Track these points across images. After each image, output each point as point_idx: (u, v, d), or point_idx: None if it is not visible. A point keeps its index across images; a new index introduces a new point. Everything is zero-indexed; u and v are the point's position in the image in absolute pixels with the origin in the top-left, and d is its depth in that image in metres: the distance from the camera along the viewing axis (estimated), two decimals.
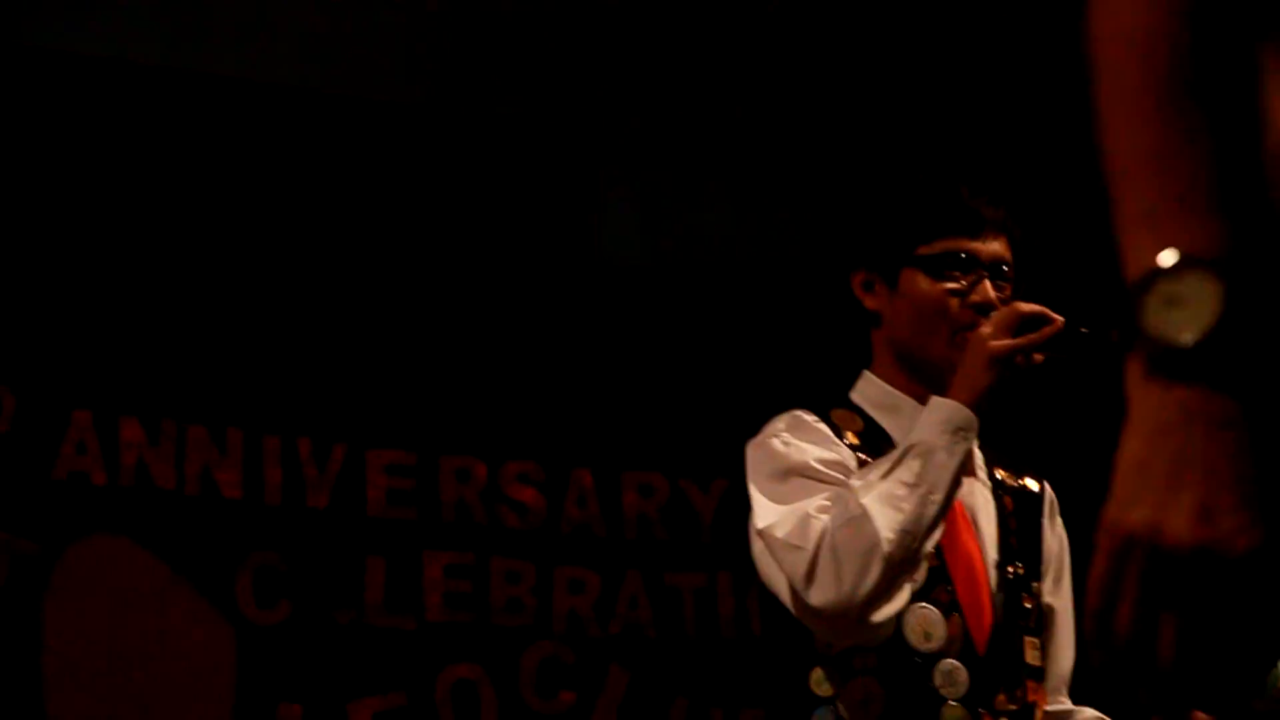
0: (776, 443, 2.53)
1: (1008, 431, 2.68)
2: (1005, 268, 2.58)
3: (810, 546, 2.37)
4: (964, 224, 2.58)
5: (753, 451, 2.55)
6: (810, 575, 2.36)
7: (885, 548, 2.32)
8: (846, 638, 2.44)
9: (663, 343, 4.50)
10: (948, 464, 2.38)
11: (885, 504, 2.35)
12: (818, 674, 2.47)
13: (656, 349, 4.49)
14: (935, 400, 2.46)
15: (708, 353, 4.48)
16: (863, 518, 2.34)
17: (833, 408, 2.61)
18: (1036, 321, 2.43)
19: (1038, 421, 4.39)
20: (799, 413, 2.59)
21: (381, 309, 4.31)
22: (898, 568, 2.34)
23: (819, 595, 2.36)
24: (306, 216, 4.29)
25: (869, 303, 2.64)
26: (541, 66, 4.55)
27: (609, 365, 4.46)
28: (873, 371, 2.64)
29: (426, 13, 4.47)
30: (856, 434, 2.57)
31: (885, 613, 2.36)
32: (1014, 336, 2.43)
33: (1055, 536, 2.71)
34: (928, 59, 4.67)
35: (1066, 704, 2.69)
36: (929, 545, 2.38)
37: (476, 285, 4.41)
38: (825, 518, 2.38)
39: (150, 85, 4.21)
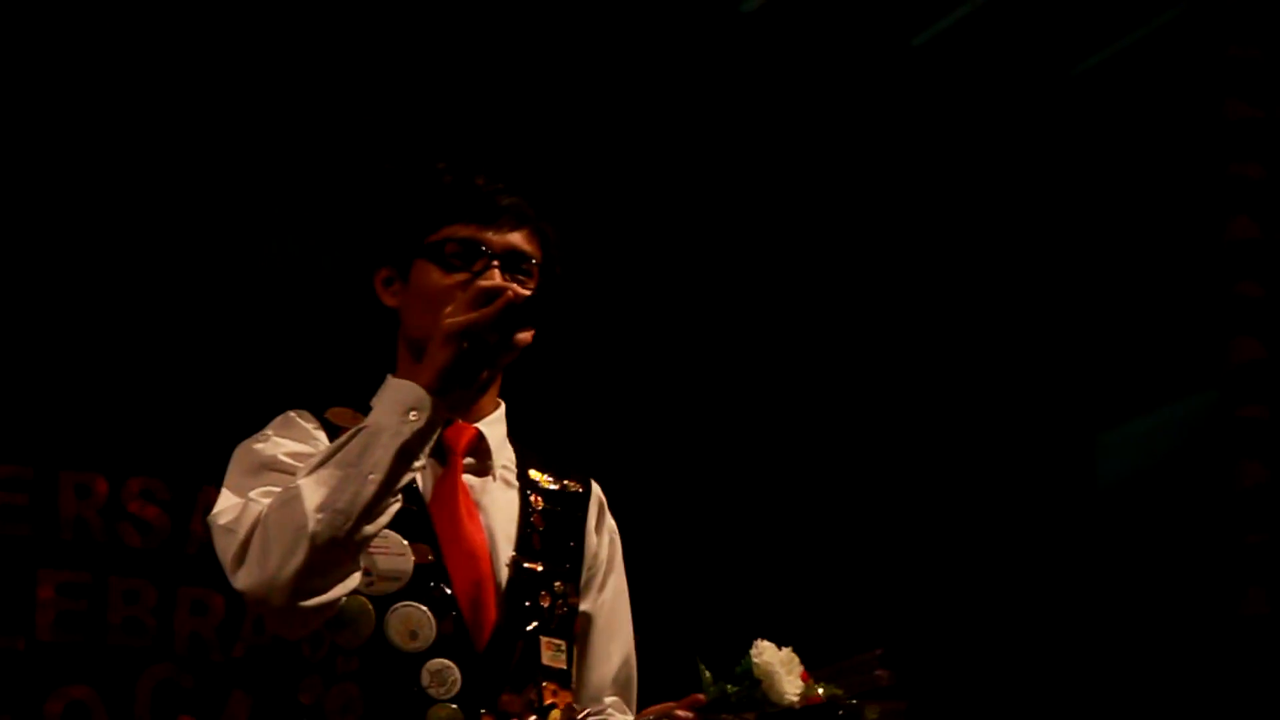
0: (255, 442, 2.47)
1: (554, 434, 2.60)
2: (524, 259, 2.50)
3: (243, 529, 2.30)
4: (473, 211, 2.50)
5: (235, 452, 2.48)
6: (239, 558, 2.29)
7: (312, 527, 2.23)
8: (284, 628, 2.36)
9: (296, 357, 4.38)
10: (391, 444, 2.27)
11: (320, 484, 2.26)
12: (306, 682, 2.41)
13: (294, 365, 4.37)
14: (391, 381, 2.38)
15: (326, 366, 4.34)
16: (294, 498, 2.26)
17: (334, 406, 2.53)
18: (492, 295, 2.32)
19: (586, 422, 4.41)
20: (291, 413, 2.52)
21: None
22: (326, 549, 2.24)
23: (244, 577, 2.28)
24: None
25: (388, 300, 2.57)
26: None
27: (240, 377, 4.34)
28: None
29: None
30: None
31: (318, 600, 2.26)
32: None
33: (602, 538, 2.65)
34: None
35: (604, 710, 2.61)
36: (369, 528, 2.28)
37: (134, 297, 4.27)
38: (265, 502, 2.31)
39: None
